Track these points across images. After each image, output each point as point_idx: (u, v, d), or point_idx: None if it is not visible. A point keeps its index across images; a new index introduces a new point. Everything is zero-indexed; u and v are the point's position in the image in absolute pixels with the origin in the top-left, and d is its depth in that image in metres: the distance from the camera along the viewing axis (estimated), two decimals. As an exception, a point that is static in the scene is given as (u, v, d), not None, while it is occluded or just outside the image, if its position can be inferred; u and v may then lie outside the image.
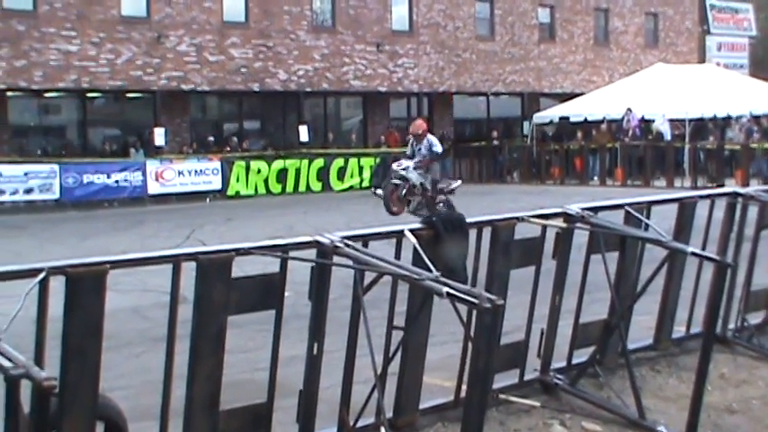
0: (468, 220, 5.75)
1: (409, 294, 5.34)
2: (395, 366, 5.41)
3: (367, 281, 5.03)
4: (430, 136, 18.12)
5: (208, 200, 26.17)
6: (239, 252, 4.71)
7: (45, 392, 3.26)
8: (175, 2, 27.40)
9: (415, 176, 16.96)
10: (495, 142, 33.35)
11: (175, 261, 4.51)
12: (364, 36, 31.41)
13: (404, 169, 16.97)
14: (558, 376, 6.32)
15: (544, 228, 6.18)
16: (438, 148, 17.86)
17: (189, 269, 4.54)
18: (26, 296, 3.83)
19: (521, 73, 35.98)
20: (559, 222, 6.23)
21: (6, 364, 3.21)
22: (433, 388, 5.96)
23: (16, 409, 3.34)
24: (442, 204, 16.96)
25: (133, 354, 7.79)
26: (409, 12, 32.73)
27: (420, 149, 17.79)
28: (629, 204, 6.63)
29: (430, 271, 4.87)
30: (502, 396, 6.00)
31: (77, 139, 28.24)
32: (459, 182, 18.57)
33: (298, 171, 28.11)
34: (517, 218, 5.99)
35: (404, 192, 17.22)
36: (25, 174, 23.78)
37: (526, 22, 36.18)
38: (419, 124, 18.65)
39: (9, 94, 25.87)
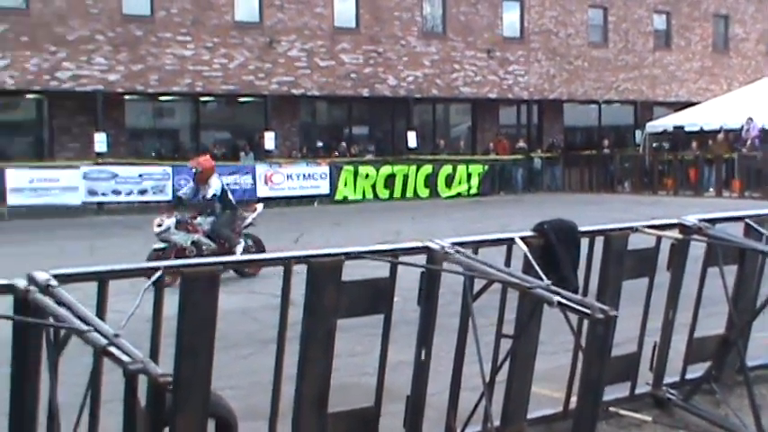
0: (579, 228, 5.65)
1: (519, 302, 5.27)
2: (503, 375, 5.35)
3: (476, 288, 4.99)
4: (215, 178, 13.60)
5: (315, 204, 26.43)
6: (350, 256, 4.72)
7: (160, 388, 3.32)
8: (287, 7, 27.80)
9: (180, 237, 12.95)
10: (606, 151, 32.81)
11: (286, 264, 4.55)
12: (475, 42, 31.32)
13: (164, 231, 12.88)
14: (672, 391, 6.15)
15: (659, 239, 6.03)
16: (217, 192, 13.36)
17: (298, 272, 4.57)
18: (143, 294, 3.90)
19: (634, 81, 35.35)
20: (675, 233, 6.07)
21: (125, 359, 3.28)
22: (540, 398, 5.88)
23: (134, 403, 3.42)
24: (245, 243, 13.31)
25: (241, 355, 7.89)
26: (520, 18, 32.52)
27: (203, 195, 13.49)
28: (750, 217, 6.42)
29: (541, 279, 4.80)
30: (612, 409, 5.86)
31: (190, 142, 28.88)
32: (259, 207, 14.55)
33: (405, 177, 28.17)
34: (631, 228, 5.86)
35: (171, 257, 12.41)
36: (140, 175, 24.43)
37: (641, 28, 35.54)
38: (202, 161, 14.04)
39: (126, 97, 26.63)
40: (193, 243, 13.02)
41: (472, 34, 31.28)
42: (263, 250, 12.65)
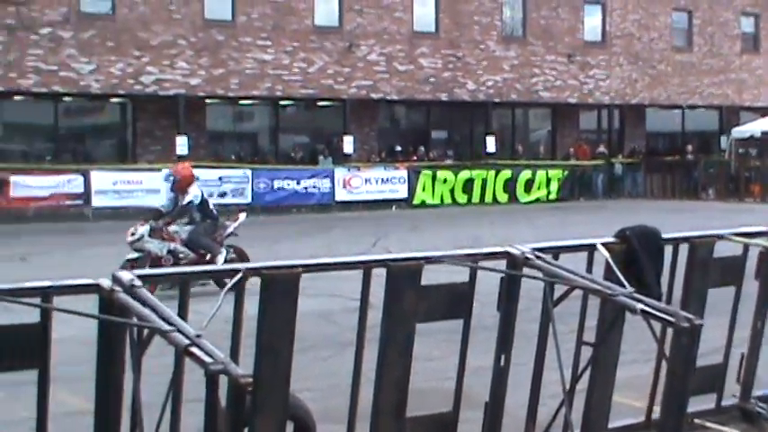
0: (663, 235, 5.54)
1: (600, 309, 5.18)
2: (583, 383, 5.27)
3: (556, 294, 4.92)
4: (195, 187, 12.78)
5: (393, 208, 26.46)
6: (429, 260, 4.69)
7: (241, 389, 3.35)
8: (367, 12, 27.92)
9: (155, 245, 12.19)
10: (690, 157, 32.22)
11: (366, 267, 4.55)
12: (555, 47, 31.05)
13: (138, 239, 12.10)
14: (762, 405, 5.97)
15: (746, 247, 5.87)
16: (195, 200, 12.61)
17: (376, 276, 4.56)
18: (223, 296, 3.93)
19: (719, 85, 34.66)
20: (763, 241, 5.90)
21: (207, 359, 3.31)
22: (622, 407, 5.77)
23: (215, 403, 3.45)
24: (227, 253, 12.64)
25: (320, 357, 7.92)
26: (602, 22, 32.15)
27: (180, 204, 12.73)
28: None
29: (623, 286, 4.72)
30: (697, 421, 5.72)
31: (269, 146, 29.18)
32: (242, 216, 13.67)
33: (484, 182, 28.03)
34: (717, 235, 5.72)
35: (146, 267, 11.70)
36: (220, 178, 24.76)
37: (727, 32, 34.85)
38: (180, 169, 13.32)
39: (207, 101, 27.02)
40: (170, 252, 12.27)
41: (552, 38, 31.02)
42: (246, 261, 11.70)
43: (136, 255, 12.16)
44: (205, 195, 13.22)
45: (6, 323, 3.74)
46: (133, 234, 12.25)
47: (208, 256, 12.44)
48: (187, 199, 12.56)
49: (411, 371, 4.63)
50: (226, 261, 12.39)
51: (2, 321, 3.76)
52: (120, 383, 3.88)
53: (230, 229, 13.02)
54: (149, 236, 12.26)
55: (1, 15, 21.71)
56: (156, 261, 12.04)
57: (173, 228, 12.61)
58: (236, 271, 4.15)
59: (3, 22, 20.86)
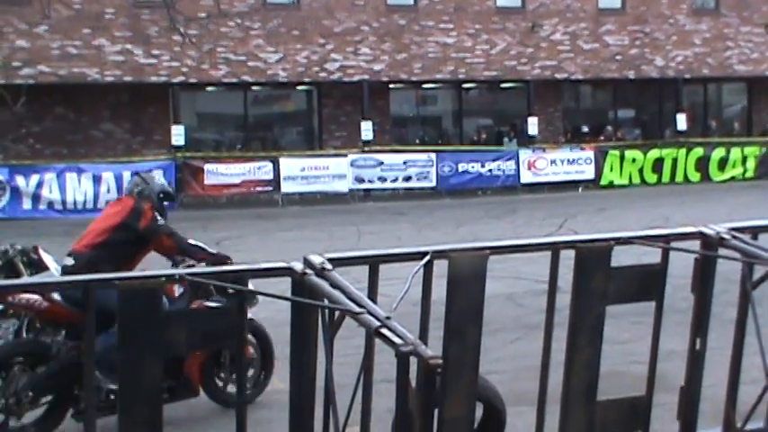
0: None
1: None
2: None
3: (755, 276, 4.71)
4: None
5: (580, 189, 26.00)
6: (619, 241, 4.58)
7: (431, 370, 3.37)
8: (551, -9, 27.50)
9: None
10: None
11: (554, 249, 4.48)
12: (751, 17, 29.62)
13: None
14: None
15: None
16: None
17: (563, 257, 4.48)
18: (412, 278, 3.96)
19: None
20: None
21: (397, 340, 3.35)
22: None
23: (405, 383, 3.49)
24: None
25: (508, 339, 7.90)
26: (803, -12, 30.43)
27: None
28: None
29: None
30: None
31: (452, 129, 29.22)
32: None
33: (674, 161, 27.10)
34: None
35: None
36: (404, 162, 24.98)
37: None
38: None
39: (391, 86, 27.30)
40: None
41: (748, 8, 29.59)
42: None
43: None
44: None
45: (211, 305, 3.91)
46: None
47: None
48: None
49: (601, 354, 4.55)
50: None
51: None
52: (314, 364, 3.99)
53: None
54: None
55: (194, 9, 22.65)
56: None
57: None
58: (425, 254, 4.18)
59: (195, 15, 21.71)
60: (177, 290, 6.47)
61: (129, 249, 6.52)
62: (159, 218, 6.65)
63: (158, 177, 7.27)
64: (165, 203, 6.94)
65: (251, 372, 6.61)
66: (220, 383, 6.57)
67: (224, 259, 6.58)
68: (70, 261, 6.45)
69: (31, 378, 5.97)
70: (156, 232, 6.53)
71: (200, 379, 6.40)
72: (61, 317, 6.11)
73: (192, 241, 6.76)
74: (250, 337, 6.50)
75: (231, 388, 6.37)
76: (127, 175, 21.84)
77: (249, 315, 5.89)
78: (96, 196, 21.57)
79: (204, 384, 6.45)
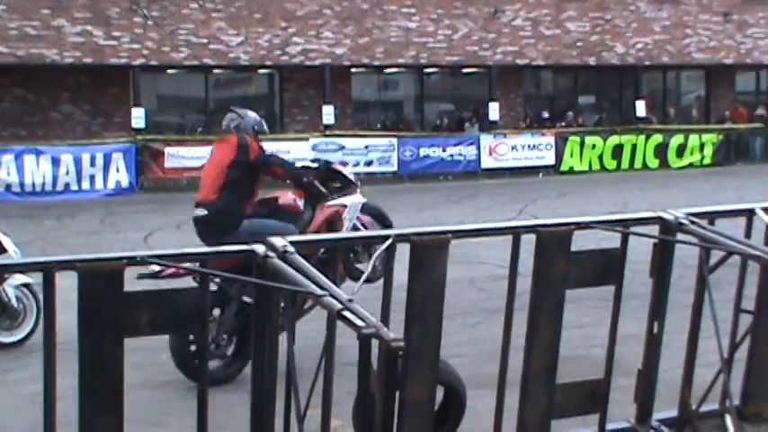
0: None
1: (760, 276, 5.01)
2: (740, 352, 5.11)
3: (712, 261, 4.79)
4: None
5: (540, 175, 26.16)
6: (579, 226, 4.63)
7: (393, 353, 3.39)
8: (513, -23, 27.54)
9: None
10: None
11: (515, 233, 4.51)
12: (710, 5, 29.89)
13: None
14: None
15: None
16: None
17: (524, 242, 4.52)
18: (374, 261, 3.98)
19: None
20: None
21: (359, 323, 3.36)
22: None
23: (367, 366, 3.51)
24: None
25: (469, 323, 7.95)
26: (762, -23, 30.73)
27: None
28: None
29: (785, 252, 4.55)
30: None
31: (414, 114, 29.22)
32: None
33: (634, 147, 27.35)
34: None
35: None
36: (366, 147, 24.97)
37: None
38: None
39: (353, 70, 27.24)
40: None
41: (707, -3, 29.89)
42: None
43: None
44: None
45: (167, 287, 3.90)
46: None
47: None
48: None
49: (561, 337, 4.60)
50: None
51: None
52: (276, 347, 4.00)
53: None
54: None
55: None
56: None
57: None
58: (386, 237, 4.20)
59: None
60: (300, 203, 7.07)
61: (247, 184, 6.95)
62: (265, 148, 7.15)
63: (249, 111, 7.71)
64: (259, 136, 7.34)
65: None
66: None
67: (334, 169, 7.36)
68: (202, 211, 6.91)
69: (221, 322, 6.47)
70: (268, 163, 7.07)
71: None
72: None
73: (299, 163, 7.40)
74: (369, 218, 7.38)
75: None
76: (86, 158, 21.74)
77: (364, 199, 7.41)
78: (55, 179, 21.35)
79: None
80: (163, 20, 22.73)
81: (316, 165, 7.45)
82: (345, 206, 7.29)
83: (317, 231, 6.98)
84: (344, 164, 7.84)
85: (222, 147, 7.22)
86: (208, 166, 7.24)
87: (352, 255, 7.01)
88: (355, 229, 7.26)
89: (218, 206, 6.84)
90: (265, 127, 7.62)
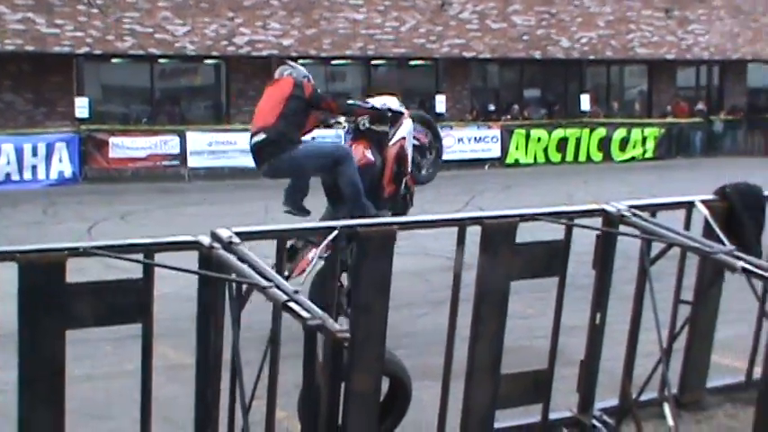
0: (766, 193, 5.40)
1: (699, 268, 5.10)
2: (680, 342, 5.21)
3: (653, 253, 4.86)
4: None
5: (486, 167, 26.31)
6: (524, 218, 4.67)
7: (338, 344, 3.40)
8: (460, -30, 27.64)
9: None
10: (794, 113, 31.18)
11: (461, 225, 4.54)
12: (652, 1, 30.29)
13: None
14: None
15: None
16: None
17: (470, 234, 4.55)
18: (319, 252, 3.98)
19: (826, 38, 33.37)
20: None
21: (305, 314, 3.36)
22: (721, 367, 5.69)
23: (313, 357, 3.51)
24: None
25: (415, 315, 7.97)
26: (702, -26, 31.21)
27: None
28: None
29: (723, 244, 4.63)
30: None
31: (363, 106, 29.17)
32: None
33: (578, 140, 27.65)
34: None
35: None
36: (312, 139, 24.77)
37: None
38: None
39: (300, 61, 27.07)
40: None
41: (650, -7, 30.28)
42: None
43: None
44: None
45: (111, 279, 3.86)
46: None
47: None
48: None
49: (506, 328, 4.64)
50: None
51: (106, 278, 3.88)
52: (220, 339, 3.98)
53: None
54: None
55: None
56: None
57: None
58: (332, 229, 4.20)
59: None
60: (368, 153, 7.65)
61: (302, 116, 7.58)
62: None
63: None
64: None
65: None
66: None
67: (383, 112, 7.72)
68: (261, 136, 7.37)
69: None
70: (321, 98, 7.76)
71: None
72: None
73: (350, 101, 8.26)
74: (421, 129, 7.99)
75: None
76: (28, 147, 21.41)
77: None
78: (-5, 168, 21.02)
79: None
80: (107, 8, 22.45)
81: (368, 104, 7.99)
82: (404, 137, 7.82)
83: (391, 176, 7.72)
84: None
85: (278, 85, 7.75)
86: (262, 103, 7.69)
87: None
88: (413, 148, 7.97)
89: (278, 128, 7.34)
90: (312, 80, 8.03)
